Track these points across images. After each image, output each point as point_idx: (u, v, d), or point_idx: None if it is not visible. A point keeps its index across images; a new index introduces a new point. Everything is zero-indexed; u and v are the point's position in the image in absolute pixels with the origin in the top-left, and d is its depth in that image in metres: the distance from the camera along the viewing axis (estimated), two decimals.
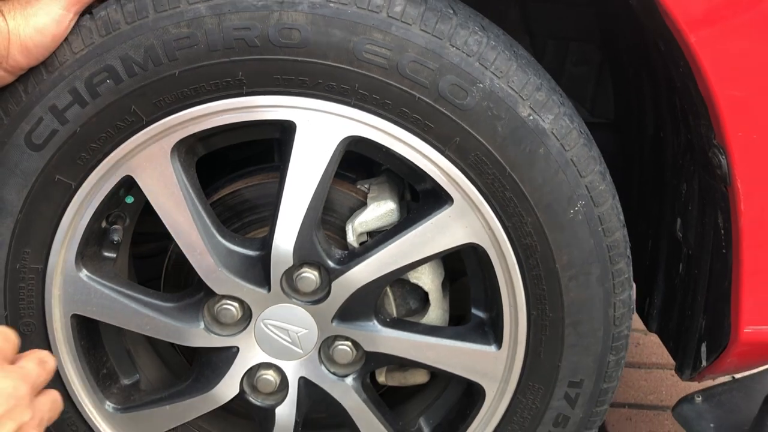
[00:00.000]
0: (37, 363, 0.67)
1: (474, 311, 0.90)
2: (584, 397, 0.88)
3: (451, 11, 0.74)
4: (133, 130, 0.77)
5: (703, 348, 0.91)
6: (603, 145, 1.24)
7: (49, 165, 0.77)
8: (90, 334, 0.90)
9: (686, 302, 0.95)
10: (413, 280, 0.88)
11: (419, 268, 0.87)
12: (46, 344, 0.86)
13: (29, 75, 0.75)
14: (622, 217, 0.82)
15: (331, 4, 0.72)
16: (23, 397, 0.62)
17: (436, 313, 0.90)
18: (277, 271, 0.82)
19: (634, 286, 0.87)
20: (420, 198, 0.85)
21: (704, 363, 0.91)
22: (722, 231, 0.82)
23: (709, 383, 1.02)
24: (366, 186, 0.90)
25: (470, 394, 0.91)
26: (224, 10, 0.72)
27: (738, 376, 1.05)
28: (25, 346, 0.86)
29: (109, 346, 0.93)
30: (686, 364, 0.95)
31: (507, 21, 1.14)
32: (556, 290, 0.82)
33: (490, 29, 0.76)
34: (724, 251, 0.83)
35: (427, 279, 0.88)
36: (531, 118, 0.76)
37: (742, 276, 0.81)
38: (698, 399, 0.98)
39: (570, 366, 0.86)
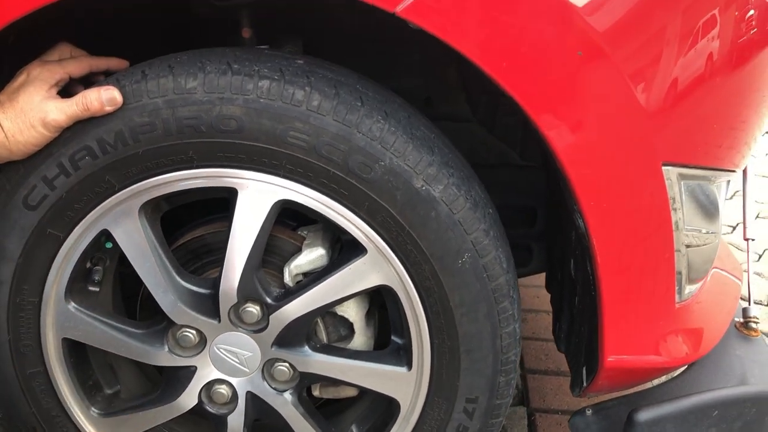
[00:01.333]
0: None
1: (393, 337, 1.08)
2: (480, 411, 1.06)
3: (359, 103, 0.93)
4: (107, 194, 0.96)
5: (584, 370, 1.09)
6: (535, 186, 1.43)
7: (41, 221, 0.97)
8: (78, 352, 1.09)
9: (576, 330, 1.13)
10: (340, 313, 1.06)
11: (346, 302, 1.06)
12: (42, 361, 1.06)
13: None
14: (505, 265, 1.00)
15: (261, 100, 0.91)
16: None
17: (360, 339, 1.08)
18: (224, 306, 1.01)
19: (519, 319, 1.05)
20: (343, 246, 1.04)
21: (585, 383, 1.09)
22: (590, 275, 1.00)
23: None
24: (305, 232, 1.08)
25: (390, 406, 1.09)
26: (177, 104, 0.91)
27: (630, 391, 1.23)
28: (23, 363, 1.07)
29: (94, 362, 1.13)
30: (575, 382, 1.13)
31: (447, 79, 1.33)
32: (452, 323, 1.00)
33: (393, 116, 0.95)
34: (593, 292, 1.00)
35: (352, 311, 1.07)
36: (423, 188, 0.94)
37: (603, 314, 0.99)
38: (588, 412, 1.16)
39: (466, 385, 1.04)
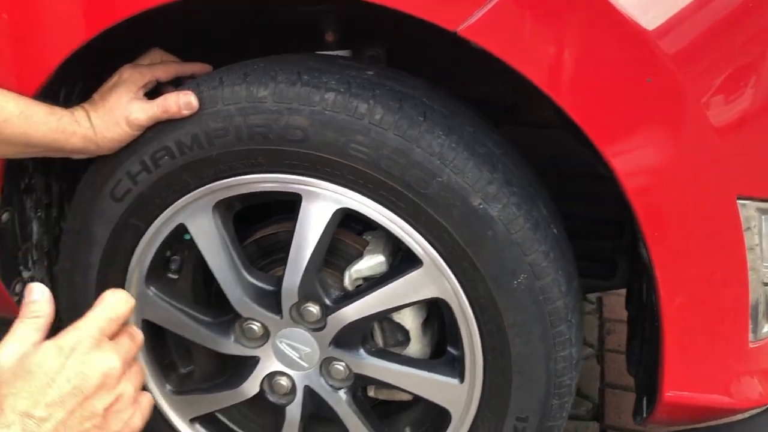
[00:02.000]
0: (129, 338, 0.71)
1: (449, 348, 1.09)
2: (530, 431, 1.05)
3: (422, 118, 0.93)
4: (184, 191, 1.02)
5: (645, 400, 1.05)
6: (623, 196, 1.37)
7: (125, 212, 1.05)
8: (158, 332, 1.18)
9: (645, 356, 1.09)
10: (396, 320, 1.08)
11: (403, 310, 1.08)
12: None
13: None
14: (564, 288, 0.98)
15: (326, 112, 0.93)
16: (120, 369, 0.67)
17: (415, 347, 1.10)
18: (286, 304, 1.06)
19: (578, 344, 1.02)
20: (403, 255, 1.05)
21: (644, 414, 1.05)
22: (653, 307, 0.96)
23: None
24: (369, 237, 1.11)
25: (442, 415, 1.10)
26: (248, 112, 0.95)
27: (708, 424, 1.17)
28: None
29: (172, 343, 1.21)
30: (637, 410, 1.09)
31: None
32: (505, 343, 1.00)
33: (456, 131, 0.94)
34: (656, 323, 0.96)
35: (409, 320, 1.08)
36: (481, 206, 0.93)
37: (665, 347, 0.95)
38: None
39: (517, 404, 1.03)
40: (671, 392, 0.97)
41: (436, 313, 1.12)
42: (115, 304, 0.70)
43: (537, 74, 0.84)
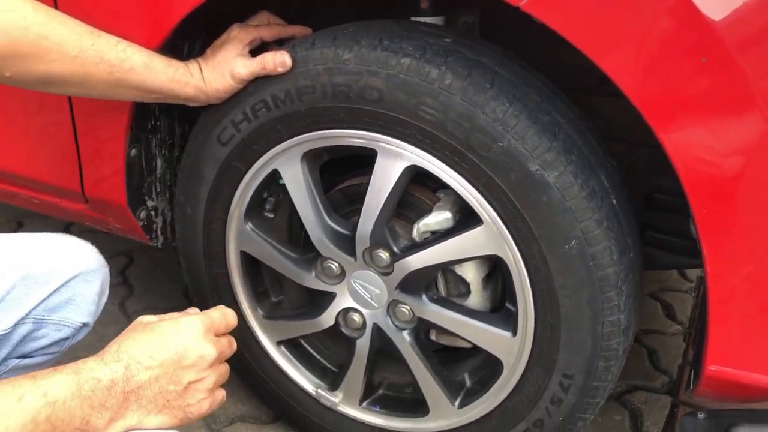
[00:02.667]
0: (228, 342, 0.90)
1: (507, 304, 1.16)
2: (575, 388, 1.11)
3: (489, 85, 0.99)
4: (277, 141, 1.15)
5: (692, 374, 1.08)
6: None
7: (229, 156, 1.20)
8: (254, 263, 1.34)
9: (698, 333, 1.11)
10: (458, 272, 1.17)
11: (465, 264, 1.16)
12: (225, 265, 1.32)
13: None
14: (616, 257, 1.02)
15: (401, 75, 1.02)
16: (213, 358, 0.85)
17: (475, 299, 1.18)
18: (359, 248, 1.17)
19: (628, 311, 1.06)
20: (467, 214, 1.13)
21: (691, 387, 1.07)
22: (702, 285, 0.98)
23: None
24: (441, 195, 1.19)
25: (497, 365, 1.18)
26: (333, 72, 1.06)
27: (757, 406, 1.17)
28: (211, 265, 1.34)
29: (266, 274, 1.37)
30: (687, 383, 1.12)
31: None
32: (555, 302, 1.06)
33: (522, 99, 1.00)
34: (704, 298, 0.99)
35: (470, 273, 1.16)
36: (538, 172, 0.99)
37: (709, 321, 0.97)
38: (701, 415, 1.14)
39: (564, 361, 1.09)
40: (713, 367, 0.99)
41: (500, 270, 1.20)
42: (228, 315, 0.92)
43: (594, 51, 0.87)
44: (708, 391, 1.04)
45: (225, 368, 0.88)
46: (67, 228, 2.18)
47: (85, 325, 1.09)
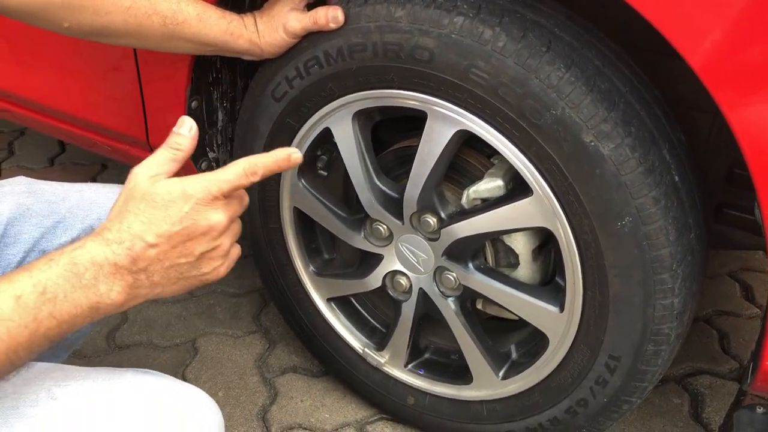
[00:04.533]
0: (239, 200, 0.80)
1: (557, 278, 1.12)
2: (622, 370, 1.06)
3: (545, 49, 0.93)
4: (329, 99, 1.13)
5: (751, 366, 1.01)
6: None
7: (283, 112, 1.19)
8: (308, 220, 1.34)
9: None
10: (507, 243, 1.13)
11: (514, 234, 1.12)
12: (279, 220, 1.33)
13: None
14: (672, 238, 0.95)
15: (453, 35, 0.97)
16: (224, 226, 0.77)
17: (523, 271, 1.14)
18: (407, 211, 1.15)
19: (684, 295, 1.00)
20: (519, 183, 1.08)
21: (749, 379, 1.01)
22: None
23: None
24: (496, 161, 1.14)
25: (543, 339, 1.15)
26: (384, 30, 1.02)
27: None
28: (267, 220, 1.35)
29: (319, 230, 1.37)
30: (744, 376, 1.05)
31: None
32: (605, 281, 1.01)
33: (580, 65, 0.93)
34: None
35: (519, 244, 1.12)
36: (592, 144, 0.93)
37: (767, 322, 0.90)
38: (759, 410, 1.07)
39: (611, 342, 1.04)
40: None
41: (553, 243, 1.15)
42: (237, 175, 0.78)
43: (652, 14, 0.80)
44: (764, 386, 0.97)
45: (237, 226, 0.81)
46: None
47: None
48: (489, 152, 1.16)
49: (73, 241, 0.98)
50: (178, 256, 0.75)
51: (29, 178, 1.07)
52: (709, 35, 0.78)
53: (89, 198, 1.07)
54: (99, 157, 2.33)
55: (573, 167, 0.95)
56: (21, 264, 0.99)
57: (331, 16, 1.06)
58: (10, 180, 1.05)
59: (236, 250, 0.82)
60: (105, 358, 1.60)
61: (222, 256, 0.79)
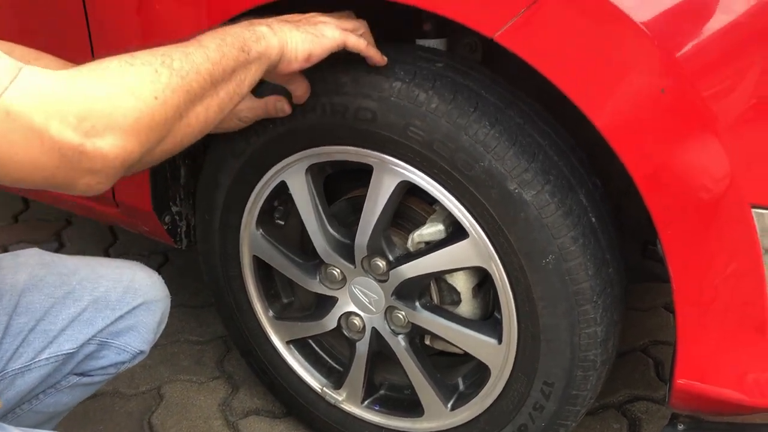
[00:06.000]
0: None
1: (496, 313, 1.23)
2: (556, 395, 1.16)
3: (472, 109, 1.06)
4: (284, 154, 1.24)
5: (668, 385, 1.12)
6: None
7: (241, 167, 1.30)
8: (267, 267, 1.43)
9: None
10: (449, 281, 1.24)
11: (456, 274, 1.23)
12: (239, 268, 1.42)
13: None
14: (591, 272, 1.07)
15: (392, 98, 1.09)
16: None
17: (466, 308, 1.25)
18: (358, 256, 1.26)
19: (605, 324, 1.11)
20: (456, 226, 1.20)
21: (666, 397, 1.12)
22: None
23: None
24: (437, 207, 1.26)
25: (485, 370, 1.25)
26: (332, 93, 1.14)
27: (743, 421, 1.20)
28: (227, 267, 1.44)
29: (277, 276, 1.47)
30: (665, 393, 1.16)
31: None
32: (535, 313, 1.12)
33: (503, 122, 1.06)
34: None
35: (461, 282, 1.23)
36: (516, 191, 1.05)
37: (678, 336, 1.02)
38: (681, 427, 1.18)
39: (544, 369, 1.15)
40: (682, 380, 1.04)
41: (490, 281, 1.26)
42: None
43: (566, 84, 0.93)
44: (680, 404, 1.09)
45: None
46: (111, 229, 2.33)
47: (141, 352, 1.17)
48: (430, 199, 1.28)
49: (80, 312, 1.07)
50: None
51: (41, 250, 1.16)
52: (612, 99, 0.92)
53: (98, 272, 1.15)
54: (63, 213, 2.39)
55: (502, 212, 1.07)
56: (32, 331, 1.07)
57: (278, 108, 1.17)
58: (24, 251, 1.14)
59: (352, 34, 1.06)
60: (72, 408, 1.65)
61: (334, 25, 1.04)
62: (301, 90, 1.11)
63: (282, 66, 1.00)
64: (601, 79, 0.92)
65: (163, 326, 1.21)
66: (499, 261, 1.12)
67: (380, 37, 1.20)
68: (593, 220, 1.09)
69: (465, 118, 1.06)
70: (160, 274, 2.12)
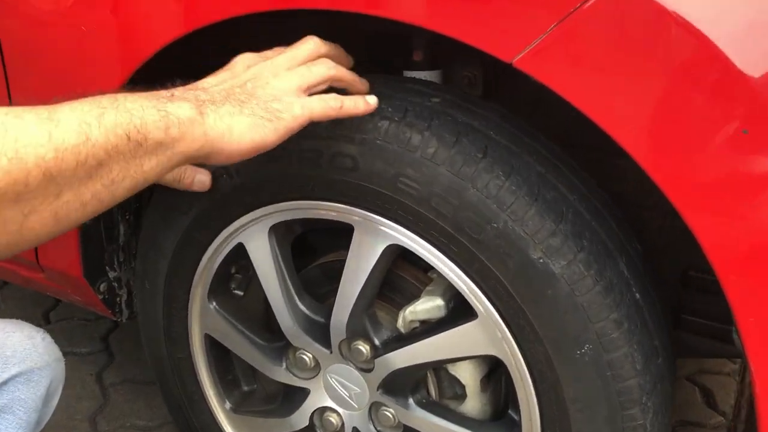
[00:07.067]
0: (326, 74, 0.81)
1: (510, 411, 0.97)
2: None
3: (480, 155, 0.82)
4: (241, 211, 0.99)
5: None
6: None
7: (189, 226, 1.04)
8: (222, 347, 1.17)
9: None
10: (452, 372, 0.98)
11: (460, 362, 0.97)
12: (188, 348, 1.15)
13: None
14: (640, 366, 0.82)
15: (377, 141, 0.85)
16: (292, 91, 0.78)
17: (472, 404, 0.99)
18: (335, 339, 1.00)
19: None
20: (460, 302, 0.95)
21: None
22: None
23: None
24: (434, 275, 1.01)
25: None
26: (301, 136, 0.89)
27: None
28: (173, 348, 1.17)
29: (236, 358, 1.20)
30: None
31: None
32: (566, 417, 0.86)
33: (521, 172, 0.82)
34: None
35: (466, 374, 0.97)
36: (541, 260, 0.81)
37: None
38: None
39: None
40: None
41: (503, 369, 1.00)
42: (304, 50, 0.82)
43: (602, 118, 0.70)
44: None
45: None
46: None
47: None
48: (425, 265, 1.03)
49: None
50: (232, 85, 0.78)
51: None
52: (669, 146, 0.68)
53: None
54: None
55: (522, 287, 0.83)
56: None
57: (197, 182, 0.96)
58: None
59: (321, 100, 0.80)
60: None
61: (289, 89, 0.78)
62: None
63: (215, 160, 0.74)
64: (662, 120, 0.68)
65: (54, 401, 0.95)
66: (517, 350, 0.86)
67: (365, 69, 0.97)
68: (638, 296, 0.85)
69: (472, 166, 0.82)
70: (107, 341, 1.90)
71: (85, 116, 0.62)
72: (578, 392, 0.84)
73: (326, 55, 0.84)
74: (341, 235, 1.05)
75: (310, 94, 0.80)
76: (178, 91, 0.74)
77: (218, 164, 0.80)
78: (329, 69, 0.82)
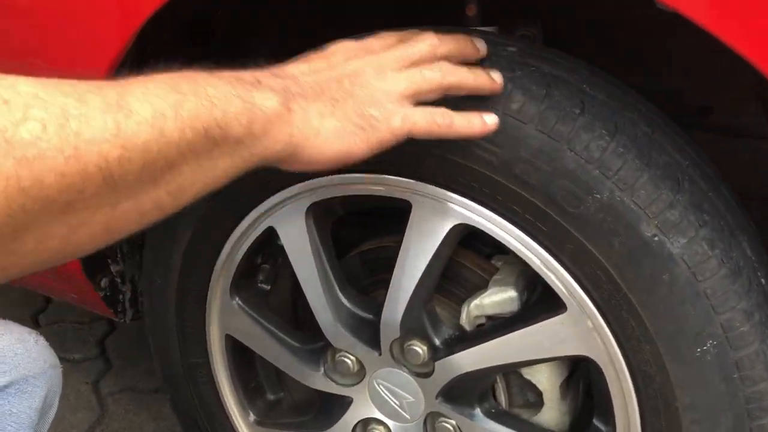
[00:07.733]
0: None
1: (595, 421, 0.82)
2: None
3: (578, 110, 0.67)
4: (273, 189, 0.84)
5: None
6: None
7: (209, 209, 0.89)
8: (244, 350, 1.01)
9: None
10: (526, 376, 0.83)
11: (535, 365, 0.82)
12: (205, 351, 1.00)
13: None
14: None
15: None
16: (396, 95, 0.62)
17: (550, 414, 0.84)
18: (386, 338, 0.84)
19: None
20: (541, 292, 0.80)
21: None
22: None
23: None
24: (499, 263, 0.86)
25: None
26: None
27: None
28: (187, 352, 1.02)
29: (260, 363, 1.04)
30: None
31: (735, 82, 0.99)
32: (676, 429, 0.71)
33: (627, 131, 0.67)
34: None
35: (543, 377, 0.82)
36: (656, 238, 0.66)
37: None
38: None
39: None
40: None
41: (583, 371, 0.86)
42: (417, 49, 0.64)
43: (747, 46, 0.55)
44: None
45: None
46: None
47: None
48: (488, 251, 0.88)
49: None
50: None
51: None
52: None
53: None
54: None
55: (629, 272, 0.68)
56: None
57: None
58: None
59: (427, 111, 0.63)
60: None
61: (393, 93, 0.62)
62: None
63: (287, 166, 0.61)
64: None
65: (51, 415, 0.83)
66: (617, 349, 0.71)
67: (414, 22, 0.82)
68: (763, 282, 0.70)
69: (568, 123, 0.67)
70: (104, 346, 1.74)
71: (159, 103, 0.48)
72: (695, 399, 0.69)
73: (445, 57, 0.66)
74: (387, 219, 0.91)
75: (417, 104, 0.64)
76: (264, 76, 0.58)
77: (288, 171, 0.63)
78: (446, 76, 0.64)
